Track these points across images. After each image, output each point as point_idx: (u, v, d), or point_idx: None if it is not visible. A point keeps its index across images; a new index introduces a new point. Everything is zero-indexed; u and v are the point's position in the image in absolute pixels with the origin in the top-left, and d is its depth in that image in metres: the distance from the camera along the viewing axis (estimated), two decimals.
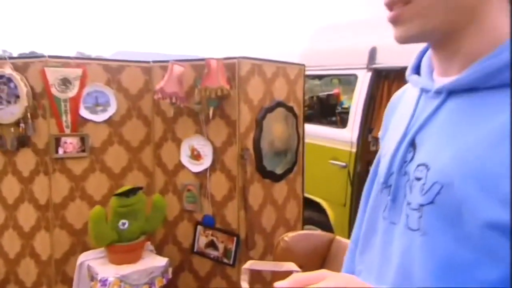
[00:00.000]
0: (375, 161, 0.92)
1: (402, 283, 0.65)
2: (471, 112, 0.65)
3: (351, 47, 3.01)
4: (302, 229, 2.45)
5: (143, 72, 2.11)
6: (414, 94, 0.78)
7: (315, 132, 3.04)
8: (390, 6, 0.63)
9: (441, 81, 0.69)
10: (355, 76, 2.99)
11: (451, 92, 0.67)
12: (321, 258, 1.78)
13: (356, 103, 2.94)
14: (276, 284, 0.64)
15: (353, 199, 2.96)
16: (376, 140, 3.15)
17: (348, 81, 3.17)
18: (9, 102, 1.86)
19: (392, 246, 0.71)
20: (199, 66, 1.95)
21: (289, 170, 2.24)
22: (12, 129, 1.90)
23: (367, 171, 3.19)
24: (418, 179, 0.66)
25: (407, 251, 0.65)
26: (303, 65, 2.30)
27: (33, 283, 1.99)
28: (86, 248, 2.00)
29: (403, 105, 0.83)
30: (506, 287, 0.54)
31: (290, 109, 2.20)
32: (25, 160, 1.94)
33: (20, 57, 1.95)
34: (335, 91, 4.15)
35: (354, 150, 2.93)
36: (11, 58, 1.93)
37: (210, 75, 1.87)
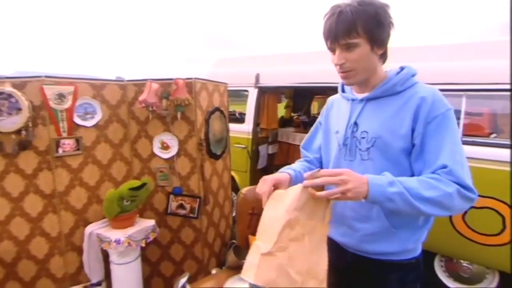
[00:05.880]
0: (313, 127, 1.21)
1: None
2: (378, 106, 0.95)
3: (244, 73, 3.24)
4: (230, 189, 2.65)
5: (120, 88, 1.98)
6: (344, 101, 1.06)
7: None
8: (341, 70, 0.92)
9: (361, 95, 0.99)
10: (247, 91, 3.30)
11: (368, 99, 0.97)
12: (260, 201, 2.03)
13: (249, 108, 3.24)
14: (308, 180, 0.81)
15: (251, 167, 3.26)
16: (262, 129, 3.54)
17: (239, 94, 3.43)
18: (10, 114, 1.60)
19: (352, 169, 0.89)
20: (166, 84, 1.95)
21: (223, 152, 2.38)
22: (13, 136, 1.62)
23: (257, 150, 3.63)
24: (363, 137, 0.94)
25: (364, 170, 0.93)
26: (227, 83, 2.47)
27: (46, 255, 1.74)
28: (87, 222, 1.83)
29: (337, 106, 1.11)
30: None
31: (222, 112, 2.34)
32: (27, 160, 1.67)
33: (19, 76, 1.66)
34: None
35: (250, 137, 3.22)
36: (9, 77, 1.63)
37: (179, 90, 1.92)
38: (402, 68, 0.95)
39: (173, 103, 1.92)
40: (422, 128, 0.85)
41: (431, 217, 0.95)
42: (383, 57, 0.94)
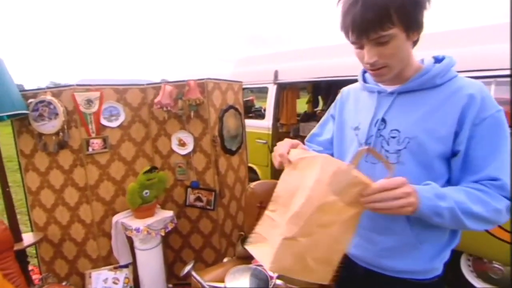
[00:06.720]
0: (322, 120, 1.09)
1: None
2: (413, 101, 0.80)
3: (263, 70, 3.33)
4: (248, 184, 2.75)
5: (140, 91, 2.18)
6: (365, 93, 0.90)
7: (247, 123, 3.33)
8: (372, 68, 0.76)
9: (390, 87, 0.83)
10: (266, 88, 3.38)
11: (399, 93, 0.81)
12: (270, 195, 2.07)
13: (269, 104, 3.33)
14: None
15: (272, 162, 3.35)
16: (282, 125, 3.60)
17: (261, 91, 3.51)
18: (50, 118, 1.88)
19: (375, 175, 0.74)
20: (180, 86, 2.11)
21: (239, 147, 2.48)
22: (54, 137, 1.91)
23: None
24: (394, 137, 0.79)
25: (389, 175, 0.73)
26: (241, 82, 2.56)
27: (83, 238, 2.01)
28: (114, 212, 2.07)
29: (354, 98, 0.94)
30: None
31: (236, 110, 2.44)
32: (65, 157, 1.95)
33: (55, 86, 1.94)
34: (251, 98, 4.52)
35: (270, 132, 3.31)
36: (49, 87, 1.92)
37: (190, 91, 2.08)
38: (437, 58, 0.81)
39: (186, 103, 2.08)
40: (469, 131, 0.72)
41: (459, 232, 0.84)
42: (415, 41, 0.79)
